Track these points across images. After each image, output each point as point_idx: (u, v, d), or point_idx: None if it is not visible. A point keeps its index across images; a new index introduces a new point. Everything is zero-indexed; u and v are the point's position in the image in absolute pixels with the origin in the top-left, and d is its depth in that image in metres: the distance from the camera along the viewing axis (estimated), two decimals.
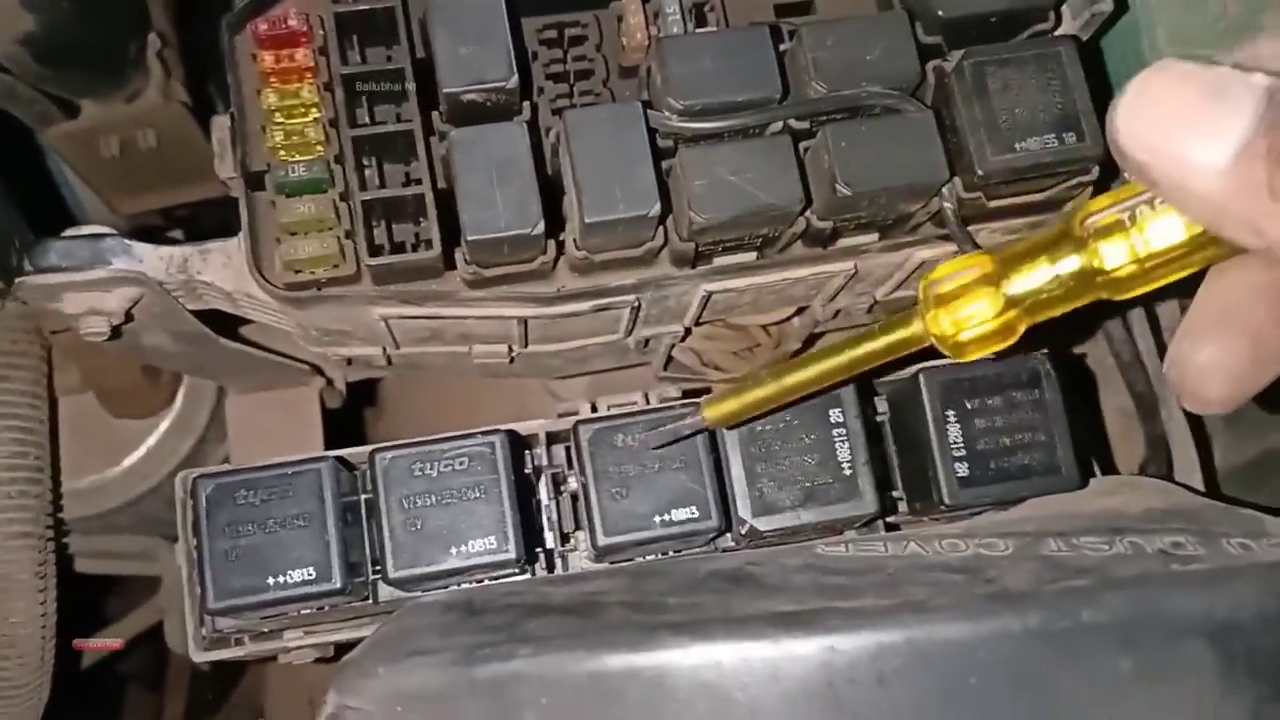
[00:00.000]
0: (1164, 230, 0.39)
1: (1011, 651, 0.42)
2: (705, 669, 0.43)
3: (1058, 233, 0.44)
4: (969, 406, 0.61)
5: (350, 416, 1.03)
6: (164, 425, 0.91)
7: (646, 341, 0.75)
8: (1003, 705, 0.41)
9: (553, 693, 0.43)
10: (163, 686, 1.44)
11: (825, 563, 0.52)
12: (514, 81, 0.59)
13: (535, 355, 0.74)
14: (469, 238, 0.58)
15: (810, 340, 0.87)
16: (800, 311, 0.77)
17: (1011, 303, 0.44)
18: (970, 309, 0.45)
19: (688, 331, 0.75)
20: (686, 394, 0.69)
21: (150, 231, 1.01)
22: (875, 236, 0.67)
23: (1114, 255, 0.41)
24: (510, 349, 0.71)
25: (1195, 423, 0.84)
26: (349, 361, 0.73)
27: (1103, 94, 0.80)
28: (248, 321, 0.73)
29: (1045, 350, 0.64)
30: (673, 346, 0.78)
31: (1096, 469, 0.71)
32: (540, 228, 0.58)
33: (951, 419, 0.61)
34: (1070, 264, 0.42)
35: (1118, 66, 0.79)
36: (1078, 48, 0.64)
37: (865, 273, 0.70)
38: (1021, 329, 0.45)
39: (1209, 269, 0.42)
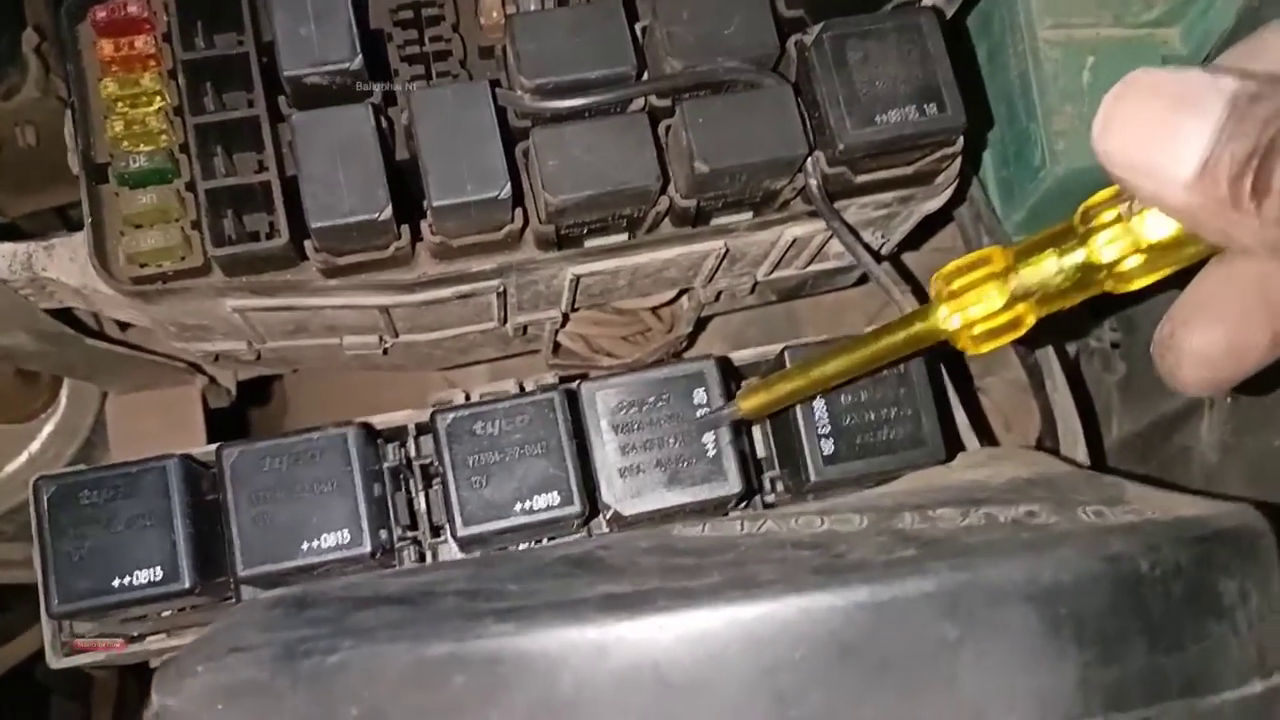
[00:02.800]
0: (1158, 224, 0.39)
1: (837, 624, 0.41)
2: (532, 654, 0.42)
3: (1065, 227, 0.44)
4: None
5: (250, 415, 1.01)
6: (47, 429, 0.88)
7: (525, 329, 0.74)
8: (830, 677, 0.41)
9: (376, 684, 0.42)
10: (89, 696, 1.41)
11: (677, 544, 0.52)
12: (358, 63, 0.58)
13: (412, 345, 0.72)
14: (313, 224, 0.56)
15: (702, 322, 0.87)
16: (684, 293, 0.77)
17: (1019, 296, 0.44)
18: (980, 303, 0.45)
19: (566, 317, 0.74)
20: (564, 379, 0.68)
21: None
22: (748, 215, 0.67)
23: (1112, 248, 0.41)
24: (381, 339, 0.70)
25: (1080, 394, 0.84)
26: (216, 358, 0.72)
27: (968, 63, 0.81)
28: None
29: None
30: (556, 333, 0.77)
31: (978, 441, 0.71)
32: (388, 212, 0.57)
33: (817, 397, 0.60)
34: (1075, 257, 0.43)
35: (998, 38, 0.79)
36: (939, 18, 0.63)
37: (739, 252, 0.69)
38: (1031, 321, 0.46)
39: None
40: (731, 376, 0.62)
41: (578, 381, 0.61)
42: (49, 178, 1.00)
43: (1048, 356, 0.80)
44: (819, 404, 0.61)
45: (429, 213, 0.59)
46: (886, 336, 0.51)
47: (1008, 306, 0.45)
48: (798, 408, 0.61)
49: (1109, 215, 0.42)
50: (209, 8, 0.61)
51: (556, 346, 0.81)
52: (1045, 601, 0.41)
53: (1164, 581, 0.43)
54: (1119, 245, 0.41)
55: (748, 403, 0.58)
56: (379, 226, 0.58)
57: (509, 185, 0.57)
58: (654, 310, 0.80)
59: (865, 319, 0.91)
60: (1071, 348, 0.93)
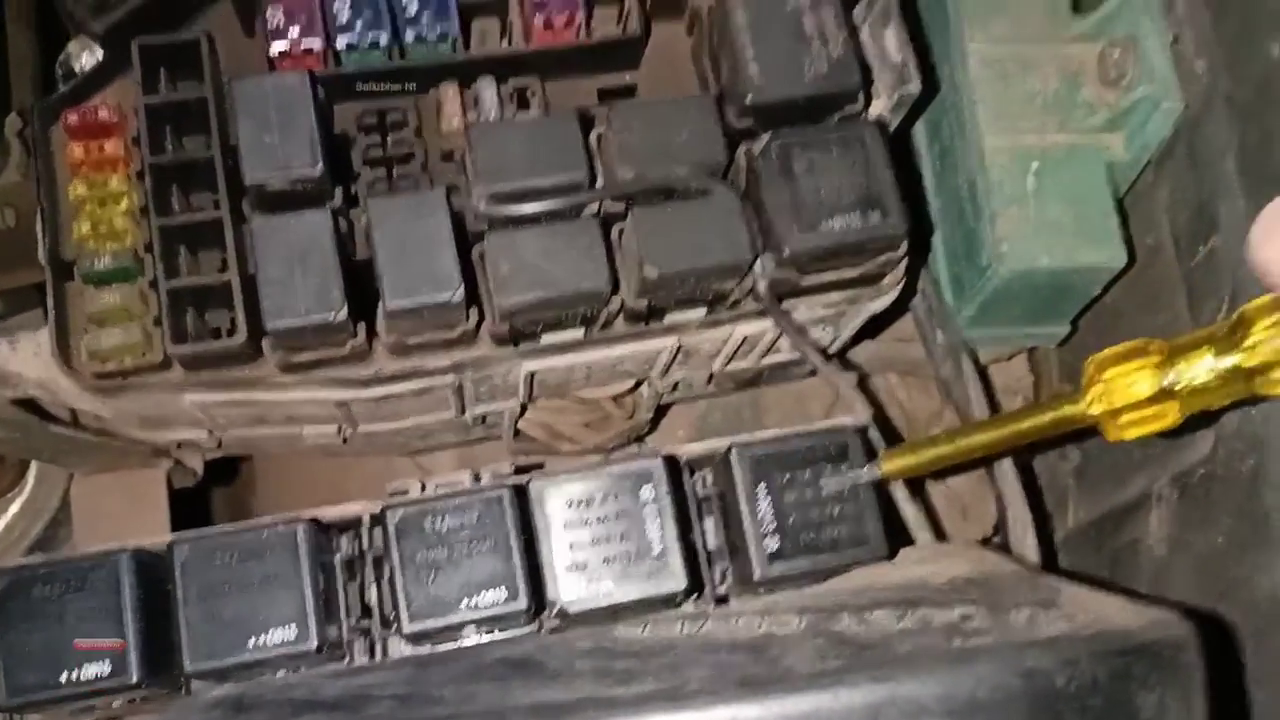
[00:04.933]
0: None
1: None
2: None
3: (1221, 328, 0.46)
4: (781, 481, 0.62)
5: (216, 494, 1.02)
6: (13, 509, 0.89)
7: (484, 418, 0.76)
8: None
9: None
10: None
11: (617, 646, 0.53)
12: (319, 170, 0.60)
13: (372, 435, 0.74)
14: (269, 326, 0.58)
15: (662, 410, 0.88)
16: (642, 383, 0.78)
17: (1168, 390, 0.46)
18: (1130, 392, 0.47)
19: (525, 407, 0.75)
20: (520, 469, 0.69)
21: None
22: (700, 312, 0.68)
23: (1266, 353, 0.44)
24: (341, 429, 0.71)
25: (1036, 482, 0.85)
26: (179, 445, 0.73)
27: (912, 173, 0.83)
28: None
29: (861, 424, 0.65)
30: (516, 421, 0.79)
31: (929, 537, 0.72)
32: (343, 314, 0.59)
33: (763, 494, 0.62)
34: (1230, 359, 0.45)
35: (947, 143, 0.81)
36: (881, 131, 0.66)
37: (692, 347, 0.71)
38: (1178, 417, 0.47)
39: None
40: (679, 472, 0.64)
41: (528, 478, 0.62)
42: (27, 258, 1.02)
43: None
44: (764, 500, 0.62)
45: (384, 315, 0.60)
46: (1034, 416, 0.53)
47: (1156, 399, 0.47)
48: (743, 505, 0.62)
49: (1267, 320, 0.44)
50: (177, 113, 0.64)
51: (517, 433, 0.82)
52: (961, 716, 0.42)
53: (1080, 697, 0.44)
54: (1272, 351, 0.43)
55: (890, 465, 0.60)
56: (334, 327, 0.59)
57: (462, 289, 0.59)
58: (614, 398, 0.81)
59: (824, 408, 0.92)
60: None
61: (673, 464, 0.63)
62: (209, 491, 0.98)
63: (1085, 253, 0.74)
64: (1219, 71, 0.69)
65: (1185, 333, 0.72)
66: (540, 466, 0.79)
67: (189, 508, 0.86)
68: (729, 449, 0.63)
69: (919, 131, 0.85)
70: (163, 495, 0.82)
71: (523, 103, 0.69)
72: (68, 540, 0.91)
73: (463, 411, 0.73)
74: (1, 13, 0.96)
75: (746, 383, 0.85)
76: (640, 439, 0.88)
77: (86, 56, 0.67)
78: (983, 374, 0.86)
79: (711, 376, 0.78)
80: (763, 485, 0.62)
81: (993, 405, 0.85)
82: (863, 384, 0.87)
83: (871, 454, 0.63)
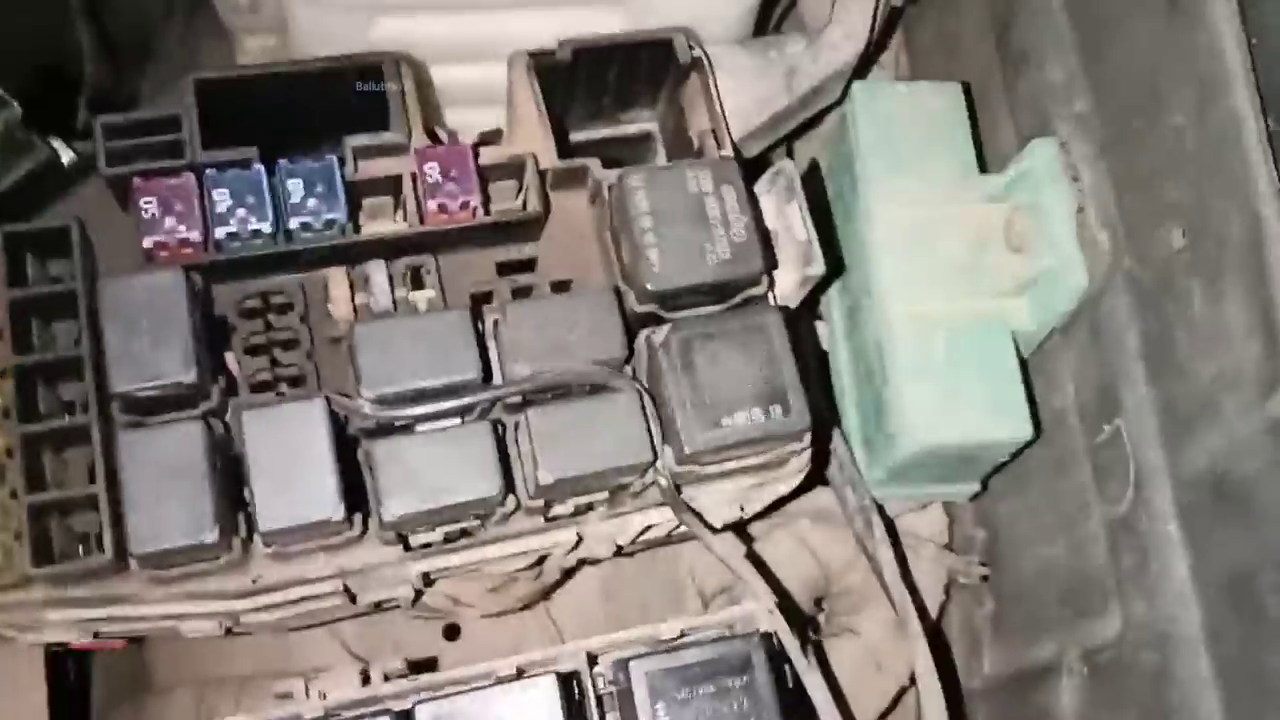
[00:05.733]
0: None
1: None
2: None
3: None
4: (680, 696, 0.60)
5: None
6: None
7: (379, 603, 0.72)
8: None
9: None
10: None
11: None
12: (192, 377, 0.57)
13: (258, 625, 0.70)
14: (135, 551, 0.55)
15: (569, 572, 0.86)
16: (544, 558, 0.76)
17: None
18: None
19: (419, 594, 0.72)
20: (411, 664, 0.66)
21: None
22: (602, 507, 0.66)
23: None
24: (221, 624, 0.67)
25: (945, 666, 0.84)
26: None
27: (814, 359, 0.81)
28: None
29: (762, 631, 0.63)
30: (415, 598, 0.75)
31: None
32: (214, 535, 0.55)
33: (661, 712, 0.59)
34: None
35: (856, 298, 0.80)
36: (783, 320, 0.64)
37: (594, 537, 0.68)
38: None
39: None
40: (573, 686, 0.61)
41: (415, 697, 0.59)
42: None
43: (905, 601, 0.79)
44: (664, 718, 0.60)
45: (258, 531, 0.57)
46: None
47: None
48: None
49: None
50: (46, 303, 0.60)
51: (418, 596, 0.79)
52: None
53: None
54: None
55: None
56: (205, 548, 0.56)
57: (342, 508, 0.56)
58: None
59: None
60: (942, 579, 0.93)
61: (566, 678, 0.60)
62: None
63: (993, 427, 0.74)
64: (1122, 249, 0.69)
65: (1093, 502, 0.73)
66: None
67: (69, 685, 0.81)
68: (627, 661, 0.61)
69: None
70: (40, 674, 0.77)
71: (416, 281, 0.67)
72: None
73: (354, 601, 0.69)
74: None
75: (656, 543, 0.82)
76: (547, 595, 0.86)
77: None
78: (893, 525, 0.85)
79: (619, 550, 0.75)
80: (661, 702, 0.59)
81: (903, 560, 0.84)
82: (776, 531, 0.86)
83: (776, 659, 0.61)
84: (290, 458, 0.56)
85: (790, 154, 0.91)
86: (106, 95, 1.22)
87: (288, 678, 0.69)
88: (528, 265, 0.70)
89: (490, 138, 0.84)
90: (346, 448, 0.59)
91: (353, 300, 0.65)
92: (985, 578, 0.91)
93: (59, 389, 0.61)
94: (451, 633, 0.86)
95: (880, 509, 0.81)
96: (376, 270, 0.65)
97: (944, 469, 0.79)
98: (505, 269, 0.69)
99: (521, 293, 0.68)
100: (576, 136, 0.78)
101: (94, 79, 1.16)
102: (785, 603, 0.71)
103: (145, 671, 0.88)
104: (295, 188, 0.61)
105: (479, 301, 0.67)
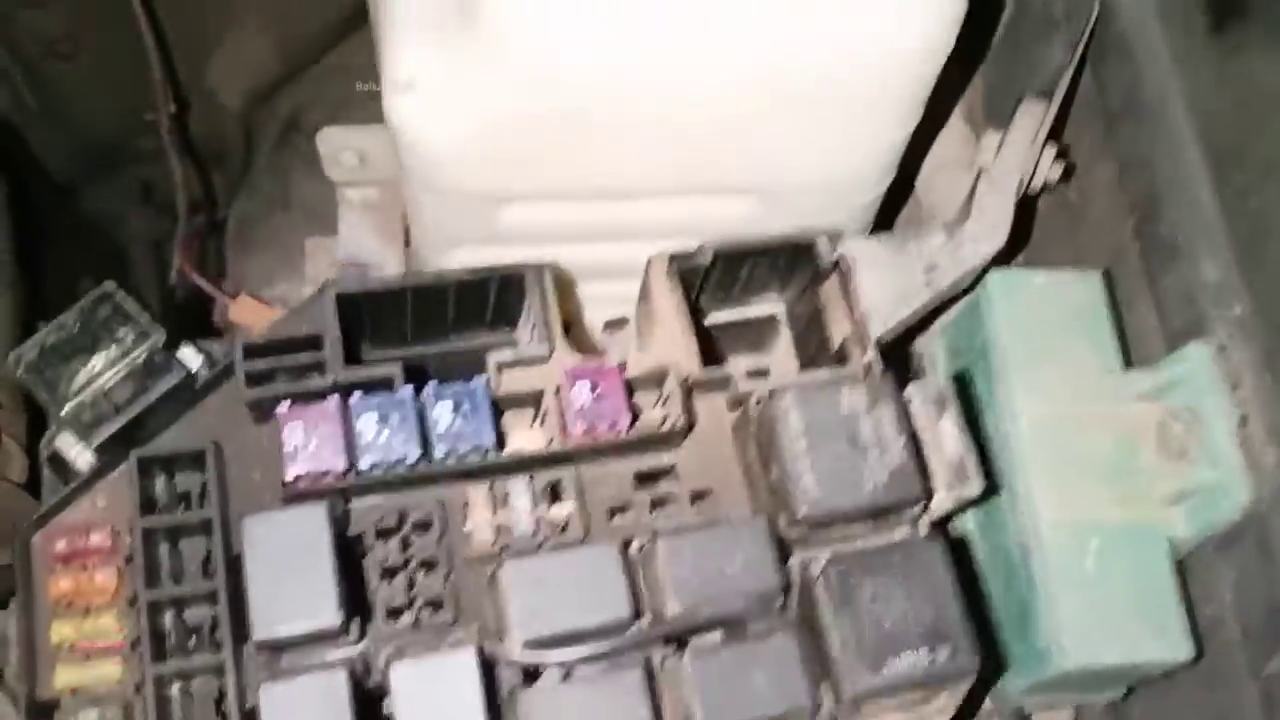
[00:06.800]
0: None
1: None
2: None
3: None
4: None
5: None
6: None
7: None
8: None
9: None
10: None
11: None
12: (339, 620, 0.54)
13: None
14: None
15: None
16: None
17: None
18: None
19: None
20: None
21: None
22: None
23: None
24: None
25: None
26: None
27: (976, 591, 0.77)
28: None
29: None
30: None
31: None
32: None
33: None
34: None
35: (997, 497, 0.76)
36: (944, 550, 0.61)
37: None
38: None
39: None
40: None
41: None
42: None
43: None
44: None
45: None
46: None
47: None
48: None
49: None
50: (177, 533, 0.58)
51: None
52: None
53: None
54: None
55: None
56: None
57: None
58: None
59: None
60: None
61: None
62: None
63: (1150, 647, 0.69)
64: None
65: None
66: None
67: None
68: None
69: None
70: None
71: (555, 496, 0.64)
72: None
73: None
74: None
75: None
76: None
77: (78, 453, 0.60)
78: None
79: None
80: None
81: None
82: None
83: None
84: (441, 710, 0.53)
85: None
86: (197, 228, 1.23)
87: None
88: (666, 473, 0.67)
89: (615, 325, 0.82)
90: (492, 695, 0.55)
91: (494, 521, 0.61)
92: None
93: (186, 622, 0.58)
94: None
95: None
96: (517, 489, 0.62)
97: (1093, 683, 0.74)
98: (643, 479, 0.66)
99: (659, 504, 0.65)
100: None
101: (184, 204, 1.17)
102: None
103: None
104: (443, 411, 0.59)
105: (615, 513, 0.64)
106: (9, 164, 1.00)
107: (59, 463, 0.62)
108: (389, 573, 0.61)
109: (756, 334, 0.80)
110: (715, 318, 0.78)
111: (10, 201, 0.97)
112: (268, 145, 1.21)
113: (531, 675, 0.57)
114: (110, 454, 0.60)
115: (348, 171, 0.96)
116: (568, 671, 0.56)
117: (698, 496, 0.66)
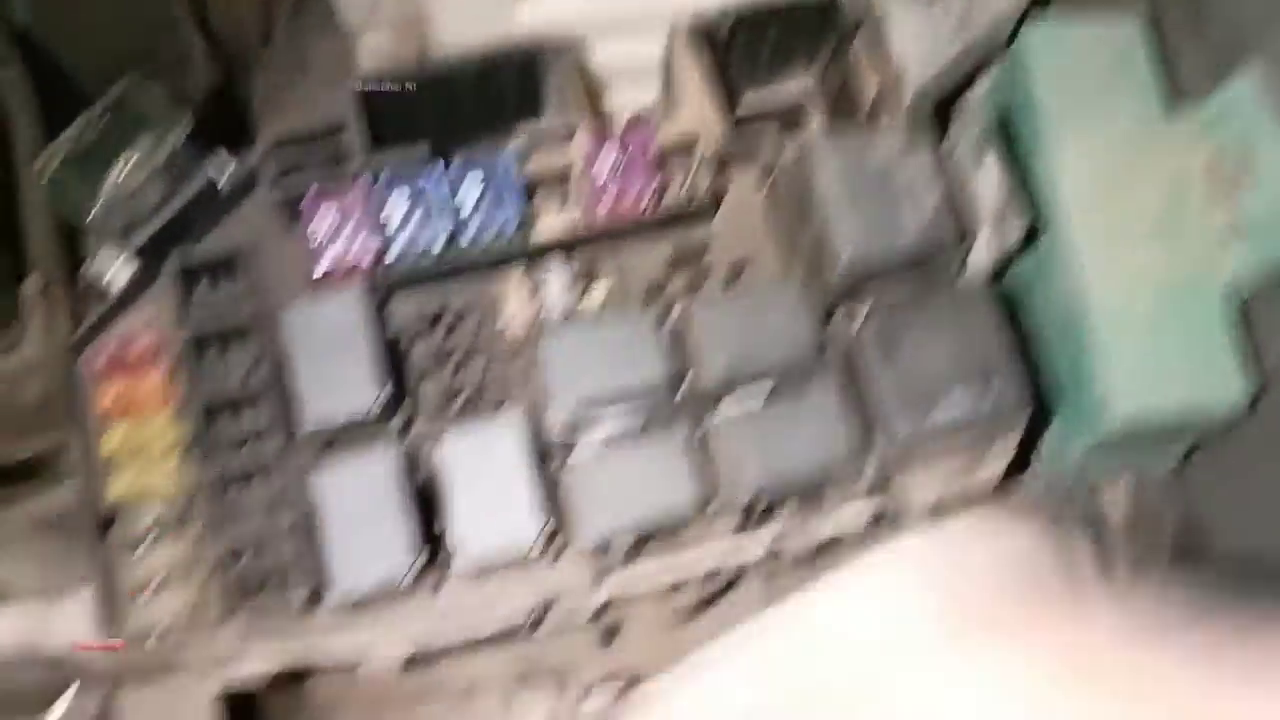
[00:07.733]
0: None
1: None
2: None
3: None
4: None
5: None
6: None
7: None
8: None
9: None
10: None
11: None
12: (383, 402, 0.54)
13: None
14: (334, 596, 0.52)
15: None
16: None
17: None
18: None
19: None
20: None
21: None
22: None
23: None
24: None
25: None
26: None
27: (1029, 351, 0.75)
28: None
29: None
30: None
31: None
32: (412, 574, 0.53)
33: None
34: None
35: (1045, 250, 0.74)
36: (990, 295, 0.59)
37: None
38: None
39: None
40: None
41: None
42: (50, 423, 0.96)
43: None
44: None
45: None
46: None
47: None
48: None
49: None
50: (220, 340, 0.58)
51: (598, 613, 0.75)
52: None
53: None
54: None
55: None
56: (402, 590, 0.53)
57: (539, 531, 0.53)
58: None
59: None
60: None
61: None
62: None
63: (1204, 389, 0.67)
64: None
65: None
66: None
67: None
68: None
69: None
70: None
71: (589, 281, 0.63)
72: None
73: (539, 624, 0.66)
74: (11, 162, 0.91)
75: None
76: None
77: (117, 268, 0.60)
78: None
79: None
80: None
81: None
82: None
83: None
84: (490, 479, 0.53)
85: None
86: (217, 101, 1.21)
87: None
88: (699, 250, 0.66)
89: (635, 120, 0.79)
90: (541, 464, 0.56)
91: (531, 307, 0.61)
92: None
93: (237, 421, 0.59)
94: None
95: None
96: (553, 273, 0.61)
97: (1149, 441, 0.73)
98: (677, 262, 0.65)
99: (696, 282, 0.64)
100: None
101: (204, 83, 1.16)
102: None
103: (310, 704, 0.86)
104: (471, 187, 0.57)
105: (652, 294, 0.64)
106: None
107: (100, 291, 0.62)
108: (433, 364, 0.61)
109: (789, 120, 0.77)
110: (745, 104, 0.75)
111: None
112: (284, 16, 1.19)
113: (574, 447, 0.57)
114: (147, 270, 0.60)
115: (363, 14, 0.94)
116: (611, 437, 0.56)
117: (734, 270, 0.65)
